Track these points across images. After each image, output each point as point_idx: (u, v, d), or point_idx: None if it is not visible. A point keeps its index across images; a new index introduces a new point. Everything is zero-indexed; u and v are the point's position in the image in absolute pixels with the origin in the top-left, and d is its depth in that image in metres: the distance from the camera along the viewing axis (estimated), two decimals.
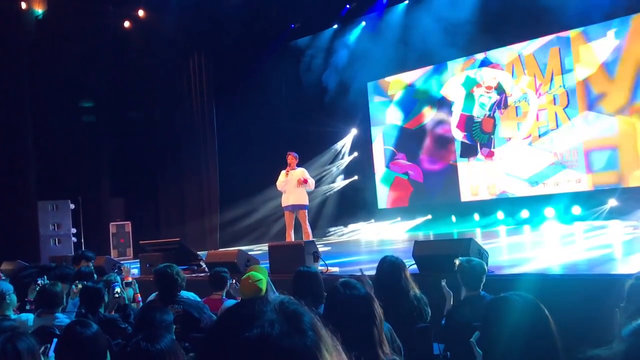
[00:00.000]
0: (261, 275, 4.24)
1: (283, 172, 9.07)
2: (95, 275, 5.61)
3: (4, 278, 7.00)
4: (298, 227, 9.15)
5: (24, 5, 12.19)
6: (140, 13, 13.43)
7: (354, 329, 2.07)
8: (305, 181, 8.81)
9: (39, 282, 5.04)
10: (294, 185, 8.85)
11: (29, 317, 4.53)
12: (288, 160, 9.04)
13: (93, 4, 12.58)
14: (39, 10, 12.56)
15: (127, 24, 13.59)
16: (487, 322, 2.23)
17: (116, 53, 13.27)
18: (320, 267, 6.13)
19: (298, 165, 9.13)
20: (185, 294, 4.67)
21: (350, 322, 2.11)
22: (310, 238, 8.66)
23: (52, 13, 12.50)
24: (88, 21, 12.54)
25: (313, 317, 0.95)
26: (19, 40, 11.90)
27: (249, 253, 7.33)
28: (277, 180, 9.11)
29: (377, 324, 2.20)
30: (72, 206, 12.22)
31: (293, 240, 8.81)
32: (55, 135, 12.62)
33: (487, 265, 4.62)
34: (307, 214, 8.99)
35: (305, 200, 8.97)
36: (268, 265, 6.72)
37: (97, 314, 4.20)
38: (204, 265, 7.41)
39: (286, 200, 9.01)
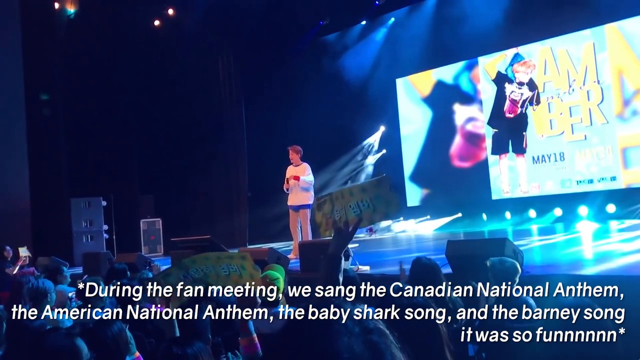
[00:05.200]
0: (278, 275, 4.24)
1: (290, 168, 8.83)
2: (128, 272, 5.68)
3: (38, 274, 7.11)
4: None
5: (56, 5, 12.41)
6: (170, 12, 13.56)
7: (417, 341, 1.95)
8: (297, 178, 8.47)
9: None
10: (296, 183, 8.60)
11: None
12: (289, 156, 8.81)
13: (124, 3, 12.74)
14: (71, 10, 12.77)
15: (156, 22, 13.74)
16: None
17: (146, 52, 13.42)
18: (350, 266, 6.10)
19: (308, 159, 8.87)
20: None
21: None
22: (310, 239, 8.36)
23: (83, 13, 12.70)
24: (118, 20, 12.70)
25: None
26: (51, 39, 12.10)
27: (279, 250, 7.32)
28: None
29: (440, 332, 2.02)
30: (104, 203, 12.40)
31: (300, 239, 8.46)
32: (87, 134, 12.81)
33: (521, 265, 4.53)
34: (308, 214, 8.58)
35: (307, 200, 8.62)
36: (298, 263, 6.72)
37: None
38: None
39: (290, 199, 8.78)
